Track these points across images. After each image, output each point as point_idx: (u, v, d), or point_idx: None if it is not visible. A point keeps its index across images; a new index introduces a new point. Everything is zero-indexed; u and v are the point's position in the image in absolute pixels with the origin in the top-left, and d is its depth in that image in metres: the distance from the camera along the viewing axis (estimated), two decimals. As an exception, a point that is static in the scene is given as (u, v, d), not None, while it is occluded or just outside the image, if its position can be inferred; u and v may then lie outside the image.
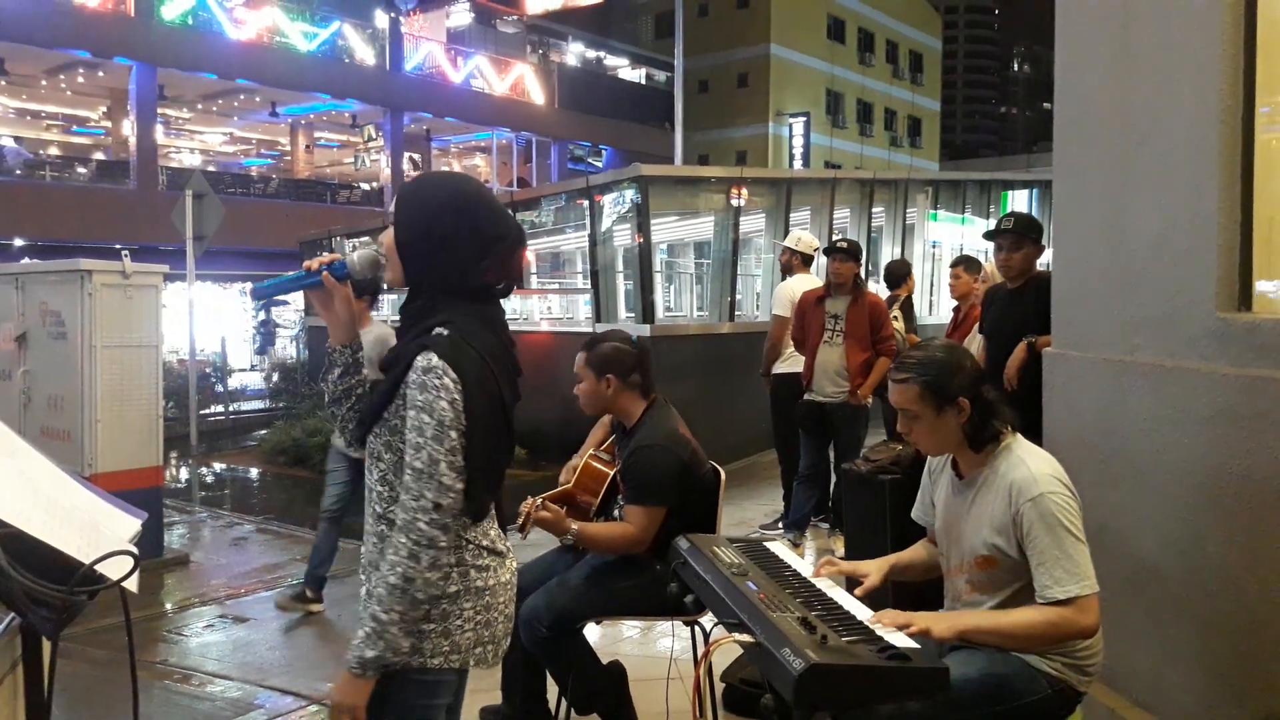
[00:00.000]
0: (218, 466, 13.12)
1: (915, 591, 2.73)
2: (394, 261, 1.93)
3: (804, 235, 6.98)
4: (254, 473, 12.62)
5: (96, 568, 1.31)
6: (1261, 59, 2.67)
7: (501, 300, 2.01)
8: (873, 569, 2.52)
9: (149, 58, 21.86)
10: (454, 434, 1.80)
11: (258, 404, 18.79)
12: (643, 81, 36.54)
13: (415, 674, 1.88)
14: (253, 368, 22.44)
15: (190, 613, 5.64)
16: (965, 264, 6.25)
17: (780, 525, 6.32)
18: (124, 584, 1.35)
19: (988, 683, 2.28)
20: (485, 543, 1.95)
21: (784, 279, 6.67)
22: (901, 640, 2.02)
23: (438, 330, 1.86)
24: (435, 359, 1.81)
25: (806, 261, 6.67)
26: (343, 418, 2.04)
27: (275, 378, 19.58)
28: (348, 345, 2.02)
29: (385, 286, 3.84)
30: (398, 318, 2.13)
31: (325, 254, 2.07)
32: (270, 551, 7.40)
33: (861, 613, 2.18)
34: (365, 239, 17.71)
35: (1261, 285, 2.74)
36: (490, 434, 1.86)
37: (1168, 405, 2.87)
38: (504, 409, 1.91)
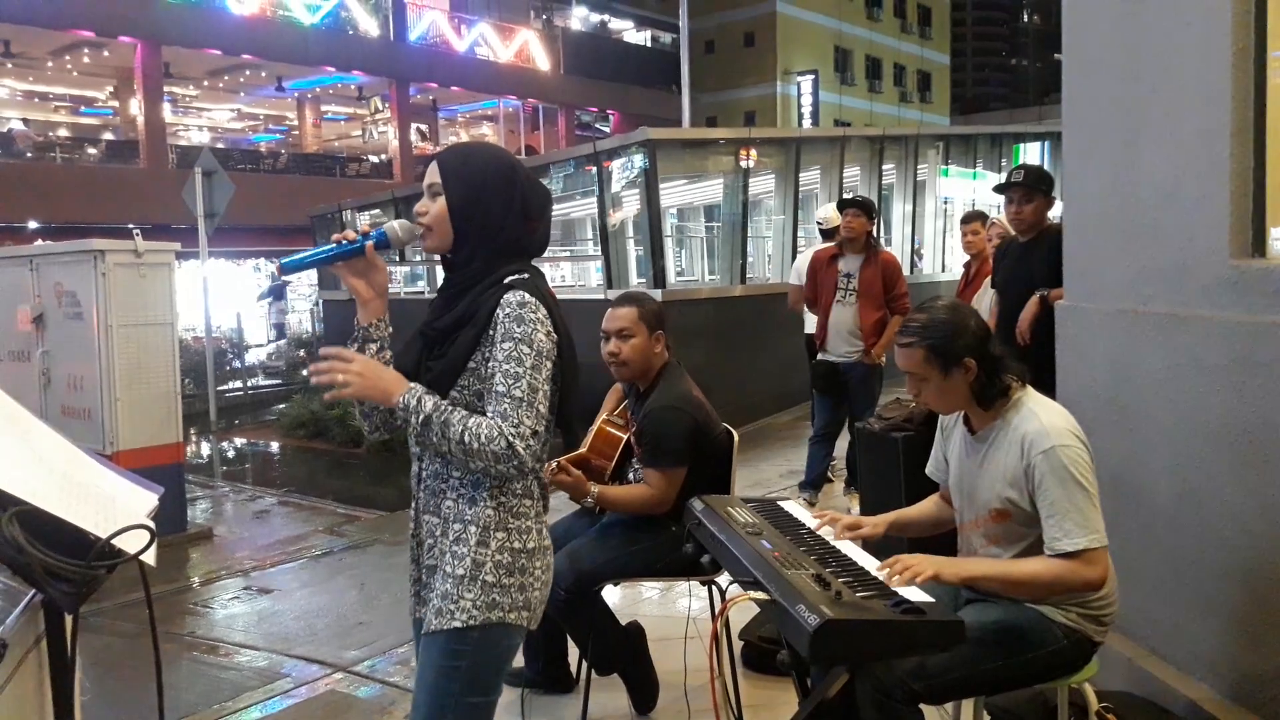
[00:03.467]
0: (238, 441, 13.24)
1: (927, 546, 2.74)
2: (445, 230, 1.95)
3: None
4: (274, 447, 12.73)
5: (114, 542, 1.33)
6: (1273, 2, 2.62)
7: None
8: (871, 521, 2.55)
9: (153, 35, 21.82)
10: (549, 365, 1.88)
11: (275, 380, 18.89)
12: (648, 44, 36.20)
13: (495, 628, 1.90)
14: (269, 341, 22.59)
15: (215, 585, 5.72)
16: (980, 219, 6.22)
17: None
18: (142, 557, 1.37)
19: (1003, 634, 2.29)
20: (543, 508, 2.02)
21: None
22: (916, 594, 2.03)
23: (514, 277, 1.93)
24: (527, 295, 1.88)
25: (827, 236, 6.85)
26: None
27: (279, 348, 19.68)
28: (382, 319, 2.02)
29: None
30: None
31: (355, 228, 2.05)
32: (293, 523, 7.48)
33: (873, 565, 2.19)
34: (376, 211, 17.72)
35: (1276, 231, 2.71)
36: (573, 367, 1.95)
37: (1181, 354, 2.85)
38: (574, 351, 1.97)
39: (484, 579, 1.90)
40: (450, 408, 1.85)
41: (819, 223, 7.08)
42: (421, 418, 1.84)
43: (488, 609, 1.89)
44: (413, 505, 2.04)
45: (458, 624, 1.89)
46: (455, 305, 1.95)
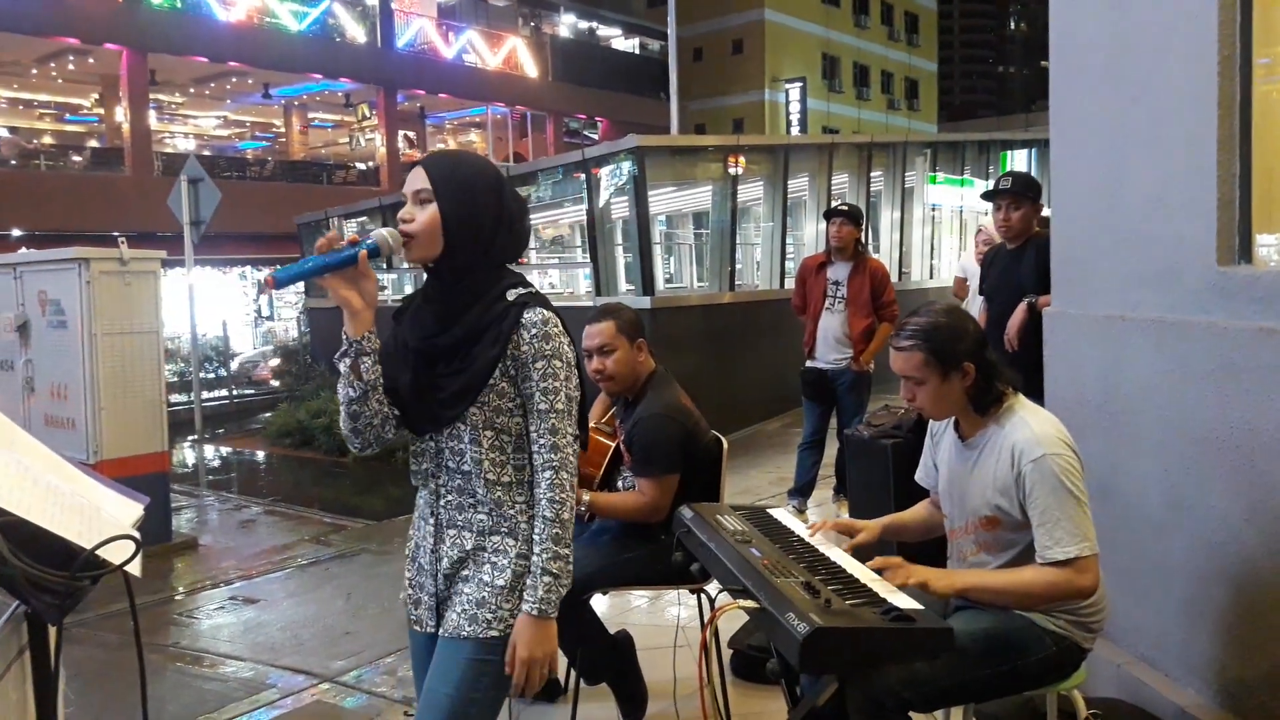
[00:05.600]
0: (224, 450, 13.17)
1: (918, 550, 2.74)
2: (435, 240, 1.91)
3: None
4: (260, 455, 12.67)
5: (99, 552, 1.31)
6: (1258, 9, 2.64)
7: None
8: (867, 526, 2.54)
9: (138, 42, 21.71)
10: (576, 375, 1.98)
11: (254, 389, 18.82)
12: (636, 51, 36.24)
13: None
14: (256, 349, 22.51)
15: (201, 595, 5.68)
16: None
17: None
18: (127, 568, 1.36)
19: (992, 641, 2.29)
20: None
21: None
22: (905, 602, 2.03)
23: (522, 290, 1.98)
24: (545, 311, 1.95)
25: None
26: (370, 413, 1.97)
27: (264, 354, 19.69)
28: (372, 331, 1.95)
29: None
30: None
31: (343, 235, 1.94)
32: (279, 533, 7.45)
33: (862, 572, 2.19)
34: (364, 218, 17.68)
35: (1262, 238, 2.73)
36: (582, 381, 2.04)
37: (1169, 360, 2.86)
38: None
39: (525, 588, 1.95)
40: (542, 553, 1.91)
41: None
42: (562, 584, 1.92)
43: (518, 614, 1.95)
44: (432, 521, 2.02)
45: (494, 633, 1.93)
46: (455, 319, 1.94)
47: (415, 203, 1.93)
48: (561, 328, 1.96)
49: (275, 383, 17.67)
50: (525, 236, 2.07)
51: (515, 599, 1.93)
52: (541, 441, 1.94)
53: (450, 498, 1.99)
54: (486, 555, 1.96)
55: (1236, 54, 2.65)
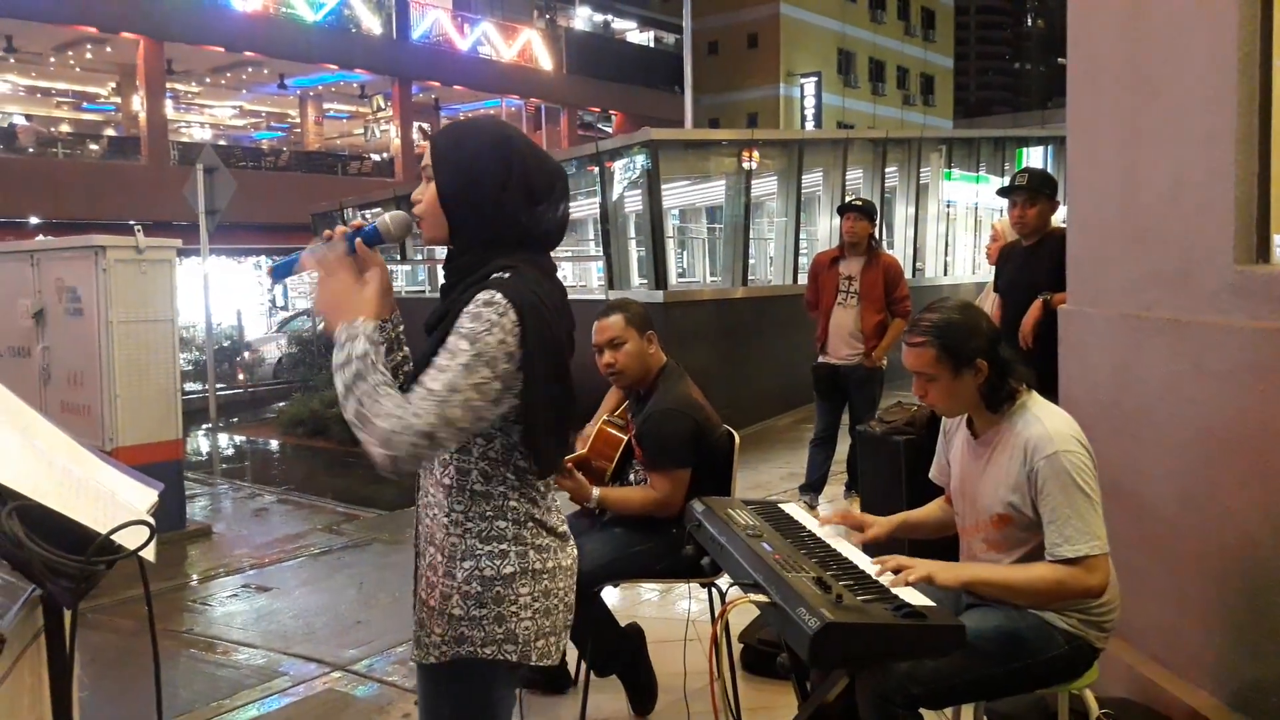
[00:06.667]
0: (238, 439, 13.23)
1: (929, 549, 2.74)
2: (437, 218, 1.76)
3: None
4: (273, 444, 12.73)
5: (113, 537, 1.32)
6: (1279, 7, 2.62)
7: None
8: (879, 522, 2.54)
9: (155, 31, 21.82)
10: (486, 373, 1.60)
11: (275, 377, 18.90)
12: (651, 44, 36.21)
13: (466, 665, 1.74)
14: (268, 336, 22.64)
15: (214, 583, 5.71)
16: None
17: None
18: (141, 553, 1.37)
19: (1004, 639, 2.28)
20: (550, 522, 1.80)
21: None
22: (917, 598, 2.03)
23: (497, 275, 1.70)
24: (498, 295, 1.64)
25: None
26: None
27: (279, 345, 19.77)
28: (388, 319, 1.85)
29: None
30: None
31: (344, 224, 1.83)
32: (292, 521, 7.48)
33: (874, 568, 2.18)
34: (378, 209, 17.72)
35: (1280, 238, 2.71)
36: (551, 382, 1.70)
37: (1184, 360, 2.84)
38: (564, 359, 1.75)
39: (451, 612, 1.73)
40: (383, 372, 1.60)
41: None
42: (344, 355, 1.60)
43: (456, 644, 1.73)
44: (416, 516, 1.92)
45: (431, 660, 1.75)
46: (449, 301, 1.76)
47: (424, 180, 1.79)
48: (508, 321, 1.62)
49: (241, 376, 17.75)
50: (557, 216, 1.82)
51: (444, 622, 1.73)
52: (397, 404, 1.57)
53: (419, 494, 1.87)
54: (424, 567, 1.80)
55: (1256, 51, 2.62)
